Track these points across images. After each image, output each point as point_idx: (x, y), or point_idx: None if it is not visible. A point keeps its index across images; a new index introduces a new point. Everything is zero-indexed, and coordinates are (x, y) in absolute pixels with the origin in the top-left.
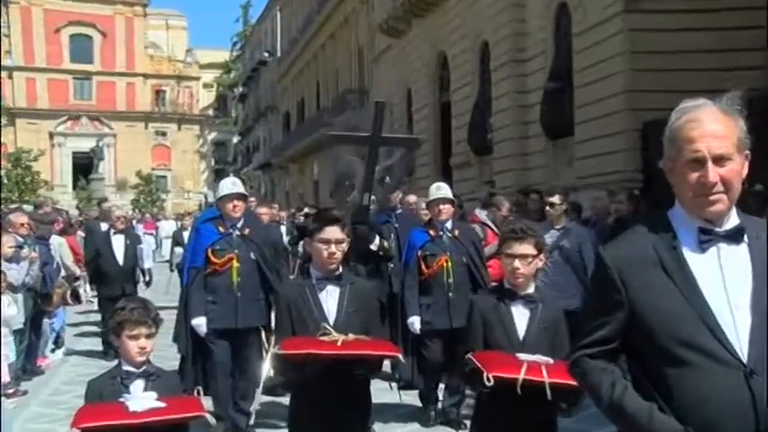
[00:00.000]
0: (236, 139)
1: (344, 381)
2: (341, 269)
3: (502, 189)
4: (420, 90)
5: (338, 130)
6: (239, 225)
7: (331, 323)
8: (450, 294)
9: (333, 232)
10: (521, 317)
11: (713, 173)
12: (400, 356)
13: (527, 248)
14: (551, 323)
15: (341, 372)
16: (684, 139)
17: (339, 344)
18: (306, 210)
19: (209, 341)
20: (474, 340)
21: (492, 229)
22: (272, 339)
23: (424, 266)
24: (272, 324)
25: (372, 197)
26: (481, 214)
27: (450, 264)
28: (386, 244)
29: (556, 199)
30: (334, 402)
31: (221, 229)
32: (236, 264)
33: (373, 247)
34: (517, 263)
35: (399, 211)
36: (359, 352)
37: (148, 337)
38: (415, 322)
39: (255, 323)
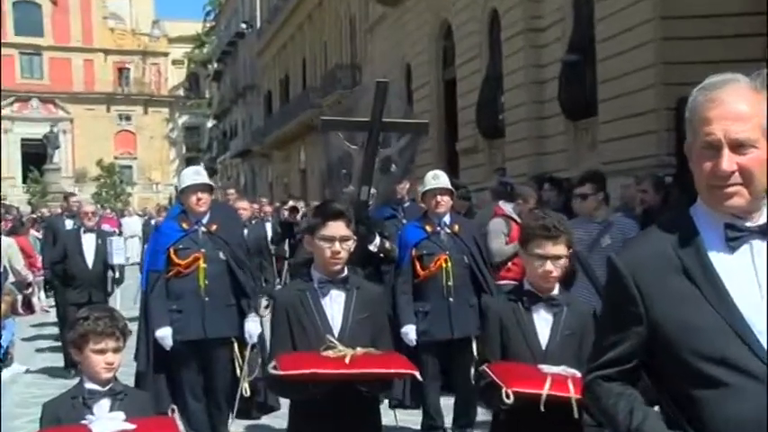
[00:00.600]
0: (210, 123)
1: (351, 398)
2: (346, 271)
3: (515, 177)
4: (420, 65)
5: (329, 112)
6: (205, 220)
7: (336, 333)
8: (451, 299)
9: (337, 228)
10: (543, 323)
11: (728, 161)
12: (417, 374)
13: (560, 248)
14: (577, 329)
15: (347, 388)
16: (700, 119)
17: (347, 361)
18: (291, 203)
19: (175, 355)
20: (490, 350)
21: (518, 223)
22: (247, 354)
23: (419, 267)
24: (248, 334)
25: (372, 191)
26: (506, 207)
27: (449, 264)
28: (387, 244)
29: (587, 189)
30: (339, 421)
31: (185, 226)
32: (202, 264)
33: (372, 247)
34: (549, 265)
35: (407, 203)
36: (371, 371)
37: (116, 351)
38: (409, 332)
39: (227, 333)
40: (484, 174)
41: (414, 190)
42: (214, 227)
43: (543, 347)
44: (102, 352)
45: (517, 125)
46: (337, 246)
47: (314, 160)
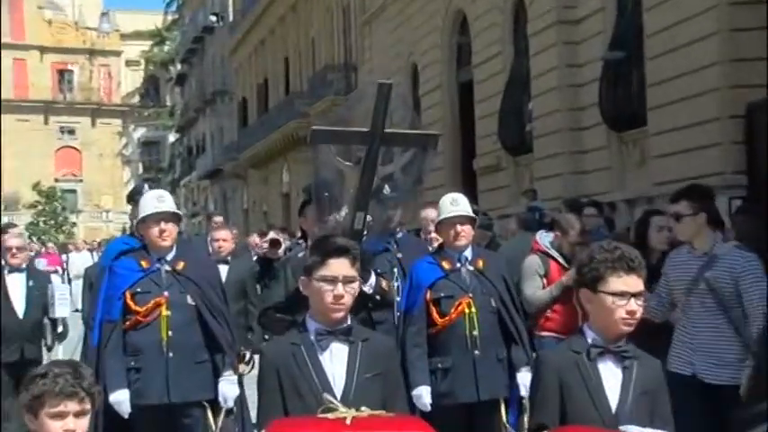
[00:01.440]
0: (172, 138)
1: None
2: (350, 319)
3: (547, 201)
4: (430, 66)
5: (318, 122)
6: (170, 257)
7: (338, 396)
8: (476, 352)
9: (340, 267)
10: (612, 379)
11: None
12: None
13: (639, 282)
14: (650, 387)
15: None
16: None
17: (348, 422)
18: (272, 235)
19: (134, 424)
20: (546, 412)
21: (558, 261)
22: (220, 421)
23: (436, 314)
24: (222, 398)
25: (369, 218)
26: (544, 239)
27: (473, 309)
28: (384, 284)
29: (683, 208)
30: None
31: (144, 264)
32: (165, 312)
33: (367, 288)
34: (634, 303)
35: (400, 234)
36: None
37: (79, 415)
38: (423, 395)
39: (196, 397)
40: (508, 197)
41: (413, 218)
42: (181, 265)
43: (613, 410)
44: (60, 416)
45: (548, 138)
46: (340, 288)
47: (299, 182)
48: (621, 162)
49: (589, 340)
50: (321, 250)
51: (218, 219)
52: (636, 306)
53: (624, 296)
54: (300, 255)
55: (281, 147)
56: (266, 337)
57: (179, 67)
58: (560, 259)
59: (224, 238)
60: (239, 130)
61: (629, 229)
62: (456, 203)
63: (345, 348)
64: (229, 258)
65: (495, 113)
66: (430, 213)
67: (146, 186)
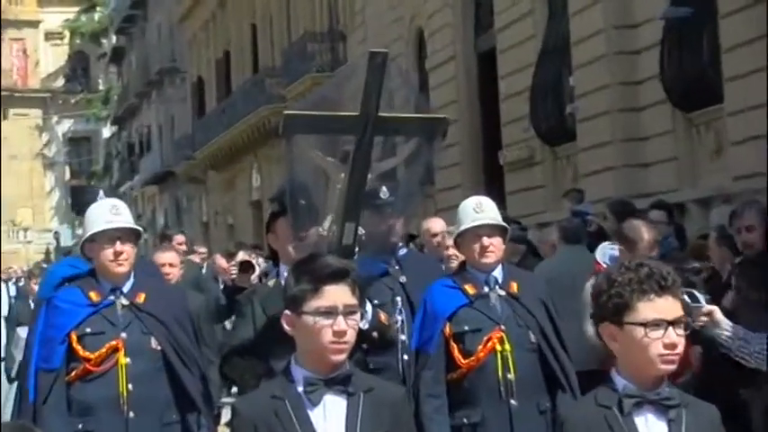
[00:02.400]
0: (108, 132)
1: None
2: (348, 364)
3: (596, 204)
4: (440, 32)
5: (296, 107)
6: (127, 288)
7: None
8: (512, 402)
9: (339, 295)
10: None
11: None
12: None
13: (676, 306)
14: None
15: None
16: None
17: None
18: (242, 256)
19: None
20: None
21: None
22: None
23: (458, 353)
24: None
25: (361, 231)
26: (606, 255)
27: (508, 346)
28: (383, 317)
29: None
30: None
31: (94, 297)
32: (123, 359)
33: (363, 323)
34: (673, 334)
35: (403, 251)
36: None
37: None
38: None
39: None
40: (544, 200)
41: (425, 229)
42: (141, 297)
43: None
44: None
45: (595, 121)
46: (342, 322)
47: (274, 186)
48: (691, 151)
49: (620, 389)
50: (312, 275)
51: (179, 237)
52: (676, 337)
53: (659, 325)
54: (271, 283)
55: (250, 141)
56: (233, 390)
57: (114, 39)
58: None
59: (170, 263)
60: (194, 120)
61: (707, 238)
62: (481, 209)
63: (343, 402)
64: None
65: (526, 91)
66: (433, 225)
67: (101, 193)
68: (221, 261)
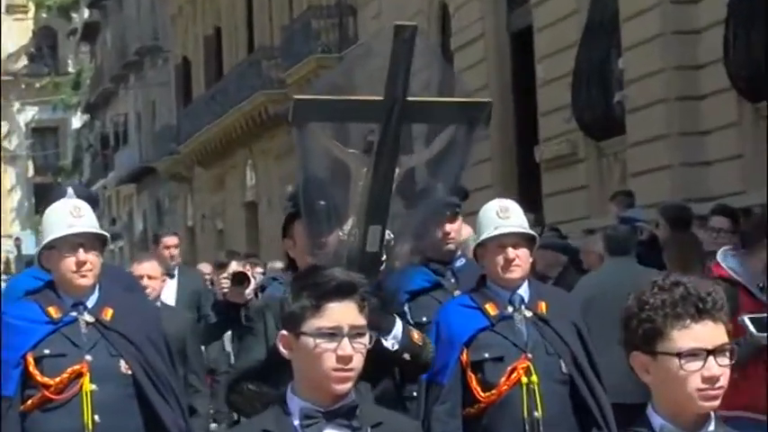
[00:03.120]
0: (78, 122)
1: None
2: (353, 394)
3: (649, 209)
4: (466, 5)
5: (298, 93)
6: (92, 302)
7: None
8: None
9: (343, 313)
10: None
11: None
12: None
13: (722, 333)
14: None
15: None
16: None
17: None
18: (234, 267)
19: None
20: None
21: (752, 294)
22: None
23: (477, 385)
24: None
25: (389, 234)
26: (729, 259)
27: (535, 377)
28: (416, 335)
29: None
30: None
31: (53, 313)
32: (88, 385)
33: (389, 343)
34: (714, 366)
35: (462, 260)
36: None
37: None
38: None
39: None
40: (588, 203)
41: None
42: (108, 313)
43: None
44: None
45: (649, 112)
46: (347, 346)
47: (271, 185)
48: (760, 147)
49: (657, 429)
50: (313, 290)
51: (170, 240)
52: (717, 369)
53: (697, 356)
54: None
55: (244, 133)
56: (236, 417)
57: (86, 14)
58: (756, 291)
59: (149, 274)
60: (179, 108)
61: None
62: (506, 215)
63: None
64: (159, 304)
65: (568, 76)
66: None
67: (69, 190)
68: (206, 270)
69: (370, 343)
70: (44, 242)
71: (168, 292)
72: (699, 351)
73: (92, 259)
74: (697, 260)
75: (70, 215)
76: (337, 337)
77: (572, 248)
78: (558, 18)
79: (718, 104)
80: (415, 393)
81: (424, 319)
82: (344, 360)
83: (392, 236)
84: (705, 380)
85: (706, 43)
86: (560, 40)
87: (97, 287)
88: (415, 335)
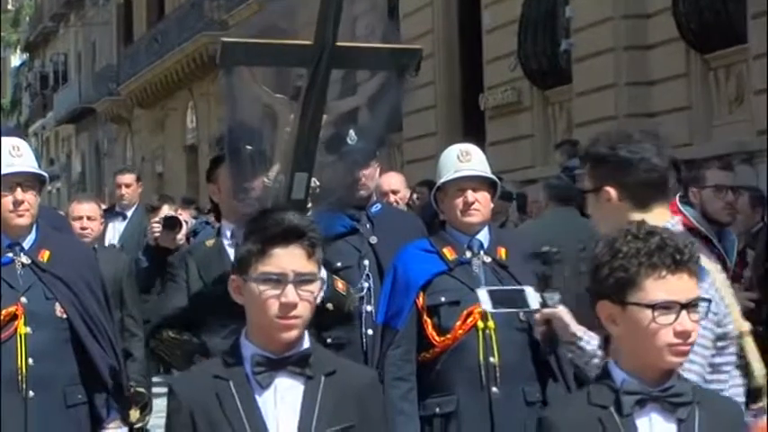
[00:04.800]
0: (17, 60)
1: None
2: (307, 341)
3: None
4: None
5: (239, 34)
6: (28, 243)
7: None
8: (494, 390)
9: (291, 259)
10: None
11: None
12: None
13: (692, 285)
14: None
15: None
16: None
17: None
18: (165, 210)
19: None
20: None
21: (711, 241)
22: None
23: (432, 329)
24: None
25: (314, 181)
26: (686, 208)
27: (491, 323)
28: (340, 285)
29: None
30: None
31: None
32: (23, 328)
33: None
34: (686, 320)
35: (377, 206)
36: None
37: None
38: None
39: None
40: (533, 152)
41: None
42: (45, 255)
43: None
44: None
45: (596, 60)
46: (291, 293)
47: (212, 127)
48: (707, 99)
49: (618, 384)
50: (259, 234)
51: (124, 178)
52: (690, 324)
53: (671, 309)
54: (210, 242)
55: (185, 75)
56: (162, 368)
57: None
58: (713, 238)
59: (89, 215)
60: (120, 48)
61: None
62: (467, 158)
63: (299, 386)
64: (96, 247)
65: (514, 23)
66: (386, 182)
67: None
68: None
69: (320, 289)
70: None
71: (111, 234)
72: (672, 304)
73: (29, 199)
74: None
75: (9, 155)
76: (281, 284)
77: (521, 195)
78: None
79: (666, 55)
80: (329, 340)
81: (339, 264)
82: (288, 307)
83: (317, 183)
84: (677, 334)
85: None
86: None
87: (35, 228)
88: (339, 284)
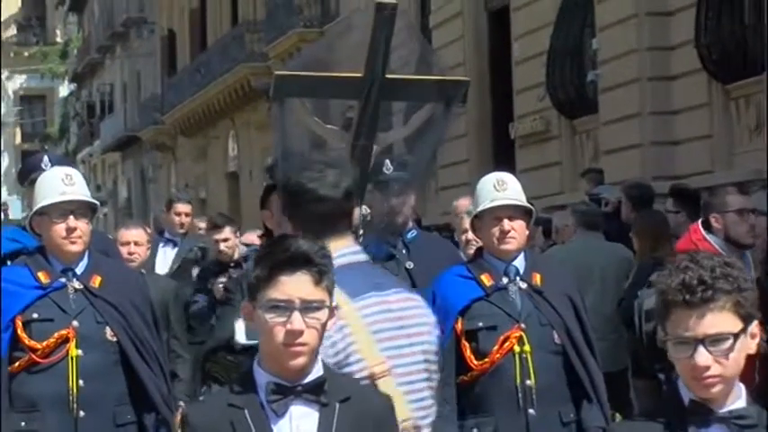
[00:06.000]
0: (65, 90)
1: None
2: (320, 367)
3: (618, 186)
4: None
5: (279, 67)
6: (81, 268)
7: None
8: (530, 411)
9: (296, 286)
10: None
11: None
12: None
13: (718, 322)
14: None
15: None
16: None
17: None
18: (229, 233)
19: None
20: None
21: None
22: None
23: (470, 353)
24: None
25: (365, 210)
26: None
27: (527, 347)
28: None
29: None
30: None
31: (43, 278)
32: (74, 350)
33: None
34: (701, 355)
35: (413, 233)
36: None
37: None
38: None
39: None
40: (562, 180)
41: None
42: (97, 281)
43: None
44: None
45: (621, 91)
46: (297, 320)
47: (253, 156)
48: (728, 128)
49: (686, 400)
50: (267, 260)
51: (184, 207)
52: (703, 359)
53: (686, 343)
54: None
55: (226, 104)
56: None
57: None
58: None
59: (136, 241)
60: (164, 79)
61: None
62: (503, 187)
63: (314, 414)
64: (144, 272)
65: (543, 55)
66: (463, 204)
67: (45, 159)
68: (252, 238)
69: (330, 317)
70: (36, 207)
71: (165, 260)
72: (687, 340)
73: (81, 226)
74: (666, 237)
75: (62, 183)
76: (288, 311)
77: (546, 220)
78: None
79: (689, 85)
80: None
81: None
82: (294, 335)
83: (368, 211)
84: (693, 368)
85: (678, 25)
86: (536, 20)
87: (87, 254)
88: None
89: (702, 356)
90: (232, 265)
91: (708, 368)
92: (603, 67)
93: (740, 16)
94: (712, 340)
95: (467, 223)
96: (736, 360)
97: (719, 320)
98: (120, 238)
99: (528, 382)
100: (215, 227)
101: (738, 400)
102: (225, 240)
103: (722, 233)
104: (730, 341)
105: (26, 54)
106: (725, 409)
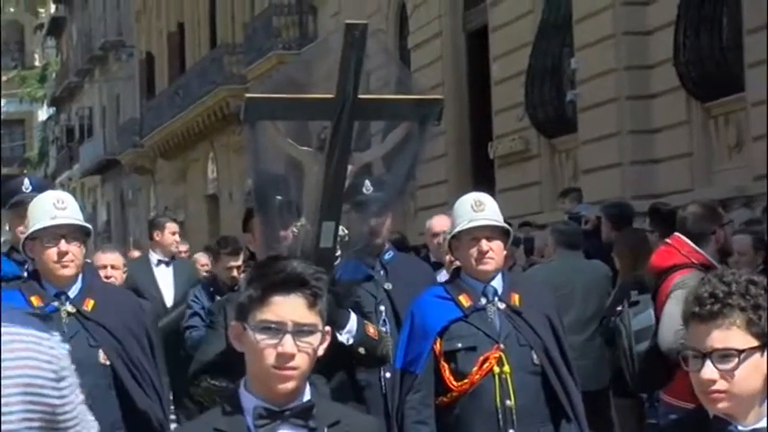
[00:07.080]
0: (44, 114)
1: None
2: (308, 391)
3: (597, 206)
4: (424, 4)
5: (258, 89)
6: (74, 292)
7: None
8: (511, 431)
9: (289, 308)
10: None
11: None
12: None
13: (730, 337)
14: None
15: None
16: None
17: None
18: (239, 259)
19: None
20: None
21: None
22: None
23: (449, 375)
24: None
25: (343, 231)
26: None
27: (507, 367)
28: (371, 329)
29: None
30: None
31: (35, 302)
32: None
33: (344, 337)
34: (708, 370)
35: (390, 254)
36: None
37: None
38: None
39: None
40: (541, 199)
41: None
42: (90, 304)
43: None
44: None
45: (600, 110)
46: (288, 344)
47: (232, 178)
48: (708, 146)
49: (711, 414)
50: (260, 281)
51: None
52: (708, 373)
53: (698, 357)
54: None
55: (205, 127)
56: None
57: (53, 8)
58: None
59: (112, 264)
60: (143, 102)
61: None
62: (480, 208)
63: None
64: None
65: (521, 75)
66: (437, 224)
67: (26, 182)
68: (202, 258)
69: (322, 341)
70: (28, 232)
71: (165, 280)
72: (698, 353)
73: (73, 250)
74: (647, 255)
75: (53, 207)
76: (279, 333)
77: (528, 239)
78: (512, 18)
79: (668, 104)
80: (363, 383)
81: (366, 310)
82: (284, 358)
83: (346, 231)
84: (702, 382)
85: (656, 44)
86: (515, 40)
87: (80, 278)
88: (371, 329)
89: (708, 370)
90: (236, 289)
91: (713, 382)
92: (582, 87)
93: (719, 34)
94: (720, 355)
95: (441, 243)
96: (746, 378)
97: (727, 336)
98: (97, 262)
99: (508, 402)
100: (235, 253)
101: (763, 419)
102: (238, 267)
103: (717, 246)
104: (736, 358)
105: (4, 78)
106: (748, 428)
